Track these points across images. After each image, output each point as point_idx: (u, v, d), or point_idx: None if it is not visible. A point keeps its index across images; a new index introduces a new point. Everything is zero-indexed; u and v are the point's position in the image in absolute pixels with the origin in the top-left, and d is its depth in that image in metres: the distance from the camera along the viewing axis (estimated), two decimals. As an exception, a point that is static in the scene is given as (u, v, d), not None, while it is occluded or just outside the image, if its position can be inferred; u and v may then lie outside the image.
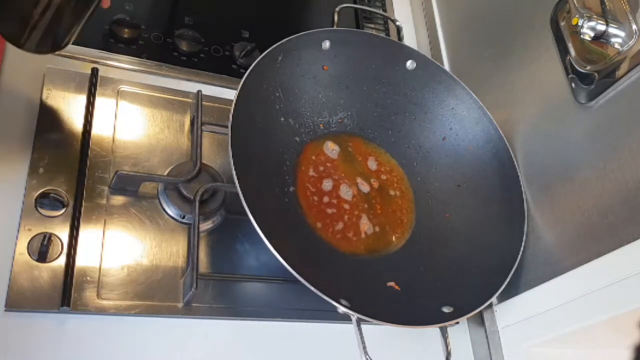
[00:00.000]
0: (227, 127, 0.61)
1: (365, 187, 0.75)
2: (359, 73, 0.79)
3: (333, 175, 0.74)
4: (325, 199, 0.72)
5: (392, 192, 0.77)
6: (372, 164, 0.78)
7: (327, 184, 0.73)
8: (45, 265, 0.59)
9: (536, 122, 0.72)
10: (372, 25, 0.96)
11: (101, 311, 0.59)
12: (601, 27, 0.59)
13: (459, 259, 0.71)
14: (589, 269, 0.61)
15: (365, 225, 0.72)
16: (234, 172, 0.58)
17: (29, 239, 0.59)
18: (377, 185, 0.76)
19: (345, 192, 0.74)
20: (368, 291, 0.66)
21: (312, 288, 0.55)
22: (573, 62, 0.65)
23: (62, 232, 0.61)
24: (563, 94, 0.66)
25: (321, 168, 0.74)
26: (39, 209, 0.61)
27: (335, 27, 0.79)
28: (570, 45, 0.65)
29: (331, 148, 0.76)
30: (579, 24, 0.59)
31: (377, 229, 0.73)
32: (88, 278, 0.60)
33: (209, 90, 0.76)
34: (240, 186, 0.57)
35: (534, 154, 0.72)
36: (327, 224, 0.70)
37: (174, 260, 0.65)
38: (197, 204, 0.64)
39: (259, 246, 0.55)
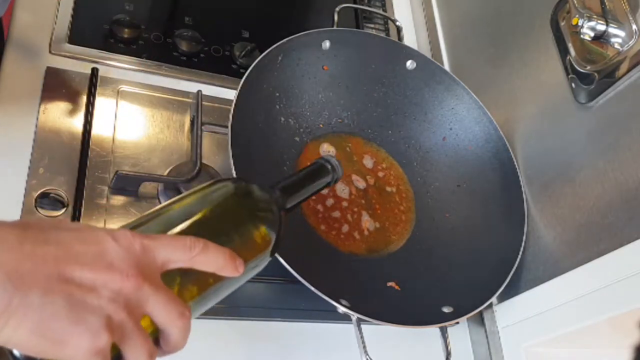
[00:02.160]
0: (227, 127, 0.61)
1: (361, 184, 0.75)
2: (359, 73, 0.79)
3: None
4: (329, 202, 0.72)
5: (388, 189, 0.77)
6: (367, 162, 0.78)
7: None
8: (45, 265, 0.59)
9: (536, 122, 0.72)
10: (372, 25, 0.96)
11: (101, 311, 0.59)
12: (601, 27, 0.59)
13: (459, 259, 0.71)
14: (589, 269, 0.61)
15: (367, 222, 0.72)
16: (234, 172, 0.58)
17: (29, 239, 0.59)
18: (373, 181, 0.76)
19: (342, 190, 0.73)
20: (368, 291, 0.66)
21: (312, 288, 0.55)
22: (573, 62, 0.65)
23: (62, 232, 0.61)
24: (563, 94, 0.66)
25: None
26: (39, 209, 0.61)
27: (335, 27, 0.79)
28: (570, 45, 0.65)
29: (327, 150, 0.76)
30: (579, 24, 0.59)
31: (377, 225, 0.73)
32: (88, 278, 0.60)
33: (209, 90, 0.76)
34: (240, 186, 0.57)
35: (534, 154, 0.72)
36: (334, 227, 0.70)
37: (174, 260, 0.65)
38: (197, 204, 0.64)
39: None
